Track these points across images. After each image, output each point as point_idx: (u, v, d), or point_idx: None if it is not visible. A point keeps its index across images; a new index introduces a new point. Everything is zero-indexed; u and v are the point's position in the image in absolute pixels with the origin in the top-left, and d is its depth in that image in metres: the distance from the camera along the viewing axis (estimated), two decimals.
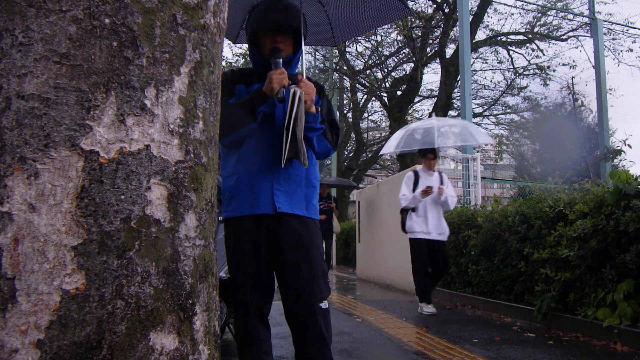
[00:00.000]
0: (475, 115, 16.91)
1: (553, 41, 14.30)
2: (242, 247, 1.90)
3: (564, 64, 14.94)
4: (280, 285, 1.92)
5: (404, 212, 5.26)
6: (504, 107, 17.75)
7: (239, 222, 1.90)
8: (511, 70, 15.67)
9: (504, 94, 16.89)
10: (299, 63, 2.02)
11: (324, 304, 1.88)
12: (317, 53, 16.92)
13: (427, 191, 4.95)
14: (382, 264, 8.64)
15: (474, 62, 15.00)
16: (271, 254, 1.89)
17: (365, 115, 20.00)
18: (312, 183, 1.96)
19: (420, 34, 13.26)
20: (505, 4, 15.67)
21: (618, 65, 19.13)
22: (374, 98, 16.95)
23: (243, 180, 1.89)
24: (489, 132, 18.92)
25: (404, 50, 15.11)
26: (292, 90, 1.80)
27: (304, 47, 2.00)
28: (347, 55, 15.76)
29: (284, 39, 1.95)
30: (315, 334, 1.84)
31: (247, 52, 2.15)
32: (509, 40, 14.93)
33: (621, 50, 13.73)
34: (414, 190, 5.11)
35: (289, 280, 1.88)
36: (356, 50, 16.10)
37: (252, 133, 1.89)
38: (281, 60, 1.89)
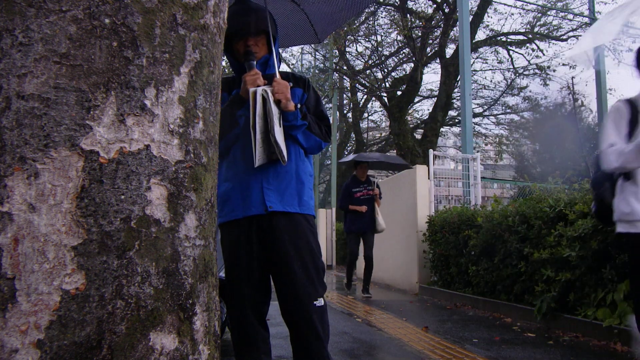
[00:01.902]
0: (475, 115, 16.93)
1: (553, 41, 14.32)
2: (236, 249, 1.91)
3: (564, 64, 14.94)
4: (275, 285, 1.93)
5: (603, 182, 2.54)
6: (504, 107, 17.77)
7: (233, 226, 1.91)
8: (511, 70, 15.68)
9: (504, 94, 16.90)
10: (277, 62, 2.04)
11: (319, 302, 1.88)
12: (317, 53, 16.93)
13: None
14: (382, 264, 8.64)
15: (474, 62, 15.00)
16: (264, 253, 1.90)
17: (365, 115, 20.01)
18: (302, 179, 1.97)
19: (420, 34, 13.26)
20: (505, 4, 15.71)
21: (618, 65, 19.12)
22: (374, 98, 16.96)
23: (234, 184, 1.91)
24: (488, 132, 18.95)
25: (404, 50, 15.12)
26: (251, 90, 1.83)
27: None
28: (347, 55, 15.76)
29: (257, 41, 1.97)
30: (311, 332, 1.85)
31: None
32: (509, 40, 14.94)
33: (621, 50, 13.75)
34: (630, 135, 2.31)
35: (282, 279, 1.89)
36: (356, 50, 16.12)
37: (238, 137, 1.91)
38: (255, 62, 1.92)
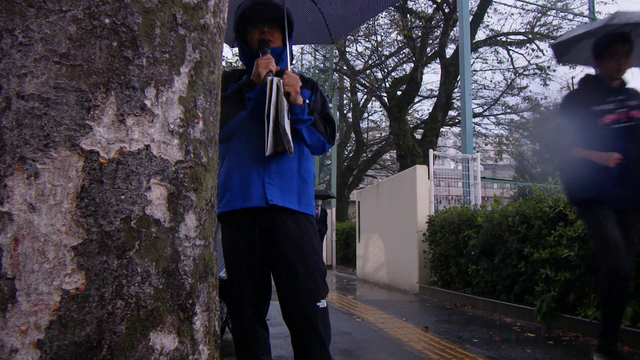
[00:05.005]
0: (475, 115, 16.93)
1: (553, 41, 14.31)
2: (237, 244, 1.90)
3: (563, 64, 14.96)
4: (277, 285, 1.92)
5: None
6: (504, 107, 17.78)
7: (233, 217, 1.90)
8: (511, 70, 15.69)
9: (504, 94, 16.91)
10: (289, 58, 2.05)
11: (322, 303, 1.86)
12: (317, 53, 16.93)
13: None
14: (382, 264, 8.65)
15: (474, 62, 15.01)
16: (266, 252, 1.89)
17: (365, 115, 20.02)
18: (304, 178, 1.96)
19: (420, 34, 13.26)
20: (505, 4, 15.72)
21: None
22: (374, 98, 16.96)
23: (234, 174, 1.89)
24: (488, 132, 18.94)
25: (404, 50, 15.12)
26: (269, 79, 1.84)
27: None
28: (347, 55, 15.76)
29: (272, 31, 1.99)
30: (313, 333, 1.83)
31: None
32: (509, 40, 14.94)
33: None
34: None
35: (285, 280, 1.88)
36: (356, 50, 16.12)
37: (243, 127, 1.90)
38: (269, 50, 1.93)
